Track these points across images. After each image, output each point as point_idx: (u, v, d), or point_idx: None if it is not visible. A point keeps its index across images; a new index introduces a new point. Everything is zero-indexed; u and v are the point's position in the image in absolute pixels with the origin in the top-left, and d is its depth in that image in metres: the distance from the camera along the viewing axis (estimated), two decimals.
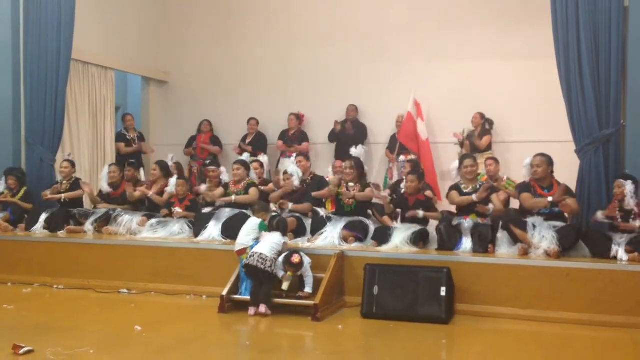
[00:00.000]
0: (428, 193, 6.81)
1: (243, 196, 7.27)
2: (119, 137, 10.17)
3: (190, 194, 7.66)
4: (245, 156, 8.00)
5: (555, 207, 6.05)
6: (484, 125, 9.09)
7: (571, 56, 6.53)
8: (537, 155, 6.27)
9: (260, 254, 5.68)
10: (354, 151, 7.46)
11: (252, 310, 5.59)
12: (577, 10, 6.49)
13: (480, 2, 9.42)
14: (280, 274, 5.72)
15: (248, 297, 5.72)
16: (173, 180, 7.64)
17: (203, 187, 7.65)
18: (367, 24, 9.99)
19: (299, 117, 10.08)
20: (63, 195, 7.95)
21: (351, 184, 6.89)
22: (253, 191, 7.29)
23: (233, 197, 7.24)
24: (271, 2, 10.64)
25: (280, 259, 5.74)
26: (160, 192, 7.78)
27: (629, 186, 5.88)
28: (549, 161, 6.23)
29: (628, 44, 6.48)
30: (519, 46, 9.12)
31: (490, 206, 6.33)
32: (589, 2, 6.45)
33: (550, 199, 6.05)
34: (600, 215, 6.04)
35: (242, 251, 5.98)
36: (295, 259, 5.65)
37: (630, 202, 5.87)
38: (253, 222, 6.15)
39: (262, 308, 5.57)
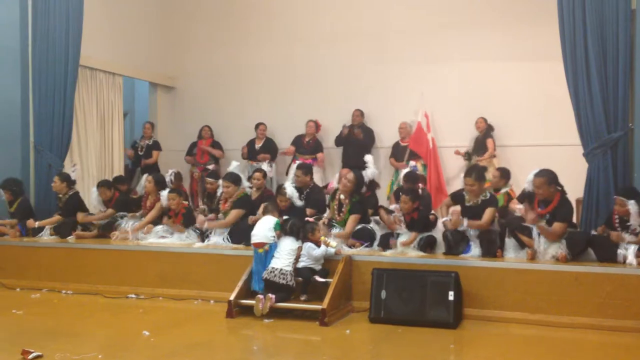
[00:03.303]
0: (432, 217, 6.69)
1: (216, 222, 7.05)
2: (132, 146, 10.24)
3: (185, 203, 7.47)
4: (234, 165, 7.69)
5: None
6: (488, 130, 9.08)
7: (578, 59, 6.51)
8: (537, 176, 5.93)
9: (281, 269, 5.77)
10: (368, 158, 7.28)
11: (261, 296, 5.65)
12: (584, 13, 6.47)
13: (485, 4, 9.41)
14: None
15: (254, 302, 5.70)
16: (164, 193, 7.39)
17: (201, 218, 7.23)
18: (371, 26, 10.00)
19: (317, 126, 9.94)
20: (37, 224, 7.81)
21: (342, 196, 6.73)
22: (233, 213, 6.96)
23: (205, 225, 6.99)
24: (275, 6, 10.67)
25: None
26: (152, 206, 7.62)
27: (632, 207, 5.63)
28: (548, 180, 5.88)
29: (635, 47, 6.44)
30: (525, 48, 9.10)
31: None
32: (596, 5, 6.42)
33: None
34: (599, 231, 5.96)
35: (260, 245, 6.02)
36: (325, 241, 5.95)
37: (637, 222, 5.62)
38: (270, 221, 6.14)
39: (273, 298, 5.61)
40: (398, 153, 9.54)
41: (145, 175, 7.60)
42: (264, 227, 6.09)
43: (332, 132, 9.94)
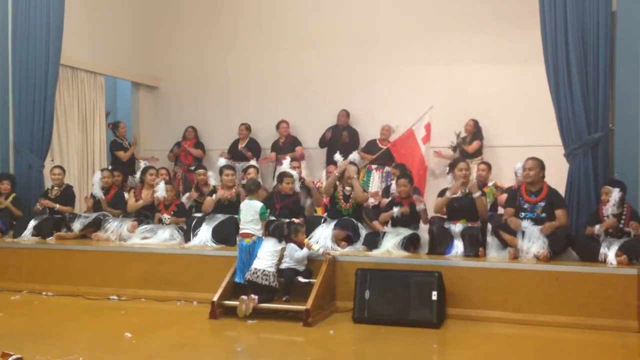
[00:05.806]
0: (416, 198, 6.79)
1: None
2: (116, 146, 9.88)
3: (177, 199, 7.59)
4: (223, 162, 7.93)
5: (543, 214, 6.07)
6: (477, 132, 9.12)
7: (560, 61, 6.56)
8: (530, 158, 6.25)
9: (263, 270, 5.77)
10: (351, 157, 7.45)
11: (245, 297, 5.64)
12: (565, 15, 6.53)
13: (471, 8, 9.44)
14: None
15: (237, 303, 5.68)
16: (162, 185, 7.54)
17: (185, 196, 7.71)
18: (359, 28, 9.98)
19: (288, 124, 9.97)
20: (57, 206, 7.93)
21: (348, 188, 6.90)
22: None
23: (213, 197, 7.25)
24: (261, 7, 10.63)
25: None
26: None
27: (615, 194, 5.84)
28: (541, 165, 6.20)
29: (616, 48, 6.51)
30: (509, 51, 9.15)
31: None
32: (577, 7, 6.48)
33: (524, 224, 6.01)
34: (598, 229, 5.94)
35: (247, 235, 6.06)
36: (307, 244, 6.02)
37: (610, 210, 5.83)
38: (255, 207, 6.15)
39: (256, 299, 5.60)
40: (370, 152, 9.52)
41: (163, 183, 7.63)
42: (249, 217, 6.10)
43: (317, 131, 9.90)
